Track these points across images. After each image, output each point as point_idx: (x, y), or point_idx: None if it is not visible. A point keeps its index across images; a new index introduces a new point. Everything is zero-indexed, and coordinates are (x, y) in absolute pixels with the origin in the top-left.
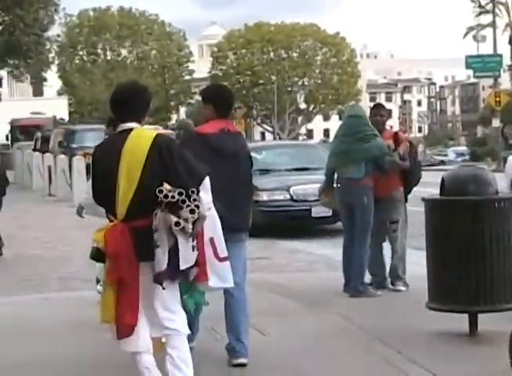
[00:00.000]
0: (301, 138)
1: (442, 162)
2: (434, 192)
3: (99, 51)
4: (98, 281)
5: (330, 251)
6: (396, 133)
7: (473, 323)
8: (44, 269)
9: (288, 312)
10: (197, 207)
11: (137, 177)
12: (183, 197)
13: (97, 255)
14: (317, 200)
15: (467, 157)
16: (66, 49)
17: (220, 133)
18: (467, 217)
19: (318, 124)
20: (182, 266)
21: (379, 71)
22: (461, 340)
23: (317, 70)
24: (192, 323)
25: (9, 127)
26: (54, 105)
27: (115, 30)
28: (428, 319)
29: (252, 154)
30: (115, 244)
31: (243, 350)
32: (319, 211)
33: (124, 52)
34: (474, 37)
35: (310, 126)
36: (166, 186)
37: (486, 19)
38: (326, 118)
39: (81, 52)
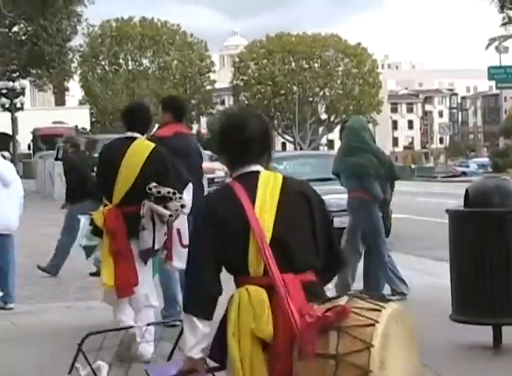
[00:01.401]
0: (321, 148)
1: (464, 173)
2: (457, 203)
3: (121, 61)
4: (80, 244)
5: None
6: None
7: (497, 336)
8: (65, 278)
9: None
10: (183, 206)
11: (134, 175)
12: (171, 194)
13: (96, 232)
14: (340, 211)
15: (489, 169)
16: (89, 59)
17: (174, 136)
18: (492, 228)
19: (339, 134)
20: (156, 246)
21: (400, 82)
22: (485, 352)
23: (338, 81)
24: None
25: (31, 136)
26: (76, 114)
27: (137, 40)
28: (452, 331)
29: (273, 165)
30: (112, 222)
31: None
32: (342, 221)
33: (145, 62)
34: (497, 48)
35: (331, 136)
36: (153, 184)
37: (509, 30)
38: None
39: (102, 62)
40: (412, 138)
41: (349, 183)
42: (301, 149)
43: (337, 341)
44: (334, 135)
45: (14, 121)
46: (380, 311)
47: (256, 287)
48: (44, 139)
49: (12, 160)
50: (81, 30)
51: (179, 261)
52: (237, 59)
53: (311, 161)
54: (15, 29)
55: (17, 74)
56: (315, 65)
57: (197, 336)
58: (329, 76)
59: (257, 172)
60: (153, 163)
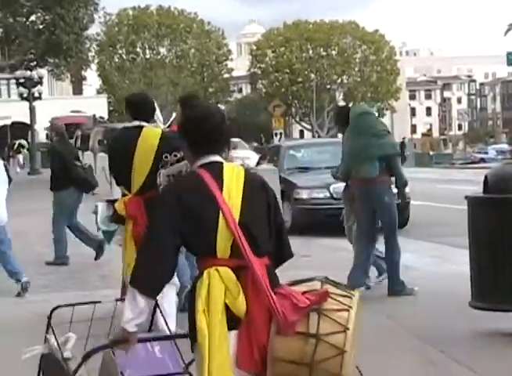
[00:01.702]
0: (339, 136)
1: (483, 160)
2: (476, 190)
3: (138, 50)
4: (98, 229)
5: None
6: None
7: None
8: (85, 267)
9: None
10: None
11: (149, 163)
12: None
13: (117, 219)
14: None
15: (508, 155)
16: (106, 48)
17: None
18: (511, 214)
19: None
20: None
21: (418, 69)
22: (504, 339)
23: (356, 68)
24: None
25: (49, 125)
26: (93, 103)
27: (154, 28)
28: (471, 318)
29: (291, 152)
30: (134, 209)
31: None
32: None
33: (162, 50)
34: None
35: None
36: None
37: None
38: None
39: (120, 51)
40: (431, 125)
41: (374, 168)
42: (318, 136)
43: (318, 322)
44: None
45: (32, 110)
46: (351, 298)
47: (225, 267)
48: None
49: (28, 150)
50: (98, 18)
51: None
52: (254, 47)
53: (330, 149)
54: (32, 18)
55: (35, 63)
56: (333, 52)
57: (135, 312)
58: (346, 63)
59: (221, 163)
60: (165, 147)
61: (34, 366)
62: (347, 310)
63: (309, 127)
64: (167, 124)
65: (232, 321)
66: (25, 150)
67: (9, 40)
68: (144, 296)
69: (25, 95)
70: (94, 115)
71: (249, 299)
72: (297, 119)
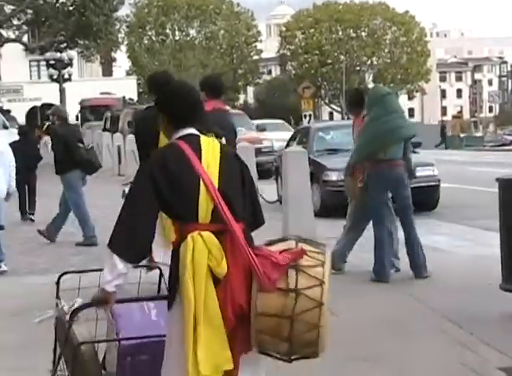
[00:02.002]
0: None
1: None
2: (507, 172)
3: (168, 31)
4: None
5: (400, 230)
6: None
7: None
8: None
9: (359, 292)
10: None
11: None
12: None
13: None
14: None
15: None
16: (135, 30)
17: (212, 111)
18: None
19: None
20: None
21: (449, 50)
22: None
23: (386, 50)
24: None
25: (78, 107)
26: (123, 85)
27: (183, 10)
28: (501, 300)
29: (320, 134)
30: None
31: None
32: None
33: (192, 32)
34: None
35: None
36: None
37: None
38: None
39: (149, 33)
40: (461, 107)
41: (400, 149)
42: (348, 118)
43: (296, 278)
44: None
45: (62, 91)
46: (324, 254)
47: (207, 232)
48: (91, 110)
49: (21, 130)
50: (128, 0)
51: None
52: (284, 29)
53: None
54: (62, 0)
55: (65, 45)
56: (363, 34)
57: (113, 274)
58: (376, 45)
59: (198, 135)
60: None
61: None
62: (322, 265)
63: (338, 109)
64: None
65: (214, 282)
66: None
67: (39, 22)
68: (122, 260)
69: (55, 76)
70: (123, 97)
71: (228, 261)
72: (327, 101)
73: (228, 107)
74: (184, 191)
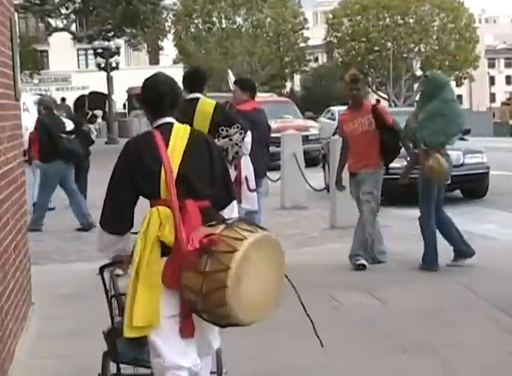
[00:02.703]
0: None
1: None
2: None
3: (214, 19)
4: None
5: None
6: (375, 106)
7: None
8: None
9: (406, 280)
10: (243, 138)
11: (205, 130)
12: (236, 129)
13: None
14: None
15: None
16: (182, 18)
17: (252, 111)
18: None
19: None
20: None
21: (498, 36)
22: None
23: (434, 36)
24: None
25: (126, 95)
26: (170, 73)
27: None
28: None
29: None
30: None
31: None
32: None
33: (239, 20)
34: None
35: None
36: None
37: None
38: None
39: (196, 21)
40: (511, 93)
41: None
42: (395, 105)
43: (207, 261)
44: None
45: (109, 80)
46: (242, 240)
47: (164, 207)
48: (139, 98)
49: (103, 118)
50: None
51: (247, 203)
52: (331, 16)
53: (406, 118)
54: None
55: (112, 33)
56: (410, 20)
57: (103, 244)
58: (424, 31)
59: (172, 123)
60: (219, 118)
61: None
62: (233, 252)
63: (386, 96)
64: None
65: (166, 248)
66: (99, 120)
67: (87, 11)
68: (110, 235)
69: (103, 65)
70: None
71: (179, 232)
72: (374, 88)
73: (273, 96)
74: (149, 174)
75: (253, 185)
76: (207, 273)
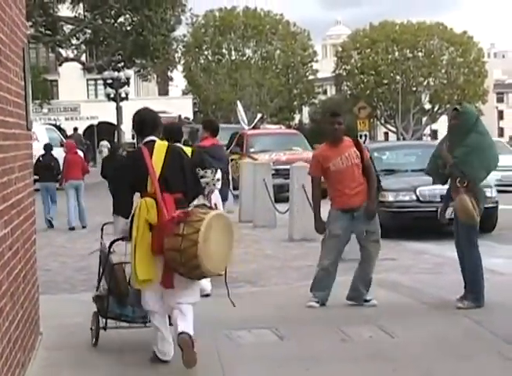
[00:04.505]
0: (425, 138)
1: None
2: None
3: (224, 51)
4: None
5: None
6: (356, 140)
7: None
8: None
9: (416, 314)
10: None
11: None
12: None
13: None
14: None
15: None
16: (192, 49)
17: (211, 146)
18: None
19: (442, 124)
20: None
21: (507, 71)
22: None
23: (443, 70)
24: None
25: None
26: (179, 104)
27: (240, 30)
28: None
29: (376, 155)
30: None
31: None
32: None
33: (248, 52)
34: None
35: (434, 126)
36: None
37: None
38: None
39: (206, 52)
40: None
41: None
42: (403, 139)
43: (183, 227)
44: (438, 125)
45: (119, 110)
46: (207, 214)
47: (150, 198)
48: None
49: (112, 148)
50: (185, 20)
51: None
52: (340, 49)
53: (415, 151)
54: (120, 19)
55: (122, 64)
56: (419, 54)
57: (120, 225)
58: (433, 65)
59: (155, 140)
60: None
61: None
62: (201, 220)
63: (394, 129)
64: (251, 125)
65: (152, 227)
66: (105, 150)
67: (98, 41)
68: (122, 218)
69: (112, 95)
70: (179, 116)
71: (160, 216)
72: (382, 121)
73: (282, 128)
74: (140, 177)
75: (221, 209)
76: (184, 235)
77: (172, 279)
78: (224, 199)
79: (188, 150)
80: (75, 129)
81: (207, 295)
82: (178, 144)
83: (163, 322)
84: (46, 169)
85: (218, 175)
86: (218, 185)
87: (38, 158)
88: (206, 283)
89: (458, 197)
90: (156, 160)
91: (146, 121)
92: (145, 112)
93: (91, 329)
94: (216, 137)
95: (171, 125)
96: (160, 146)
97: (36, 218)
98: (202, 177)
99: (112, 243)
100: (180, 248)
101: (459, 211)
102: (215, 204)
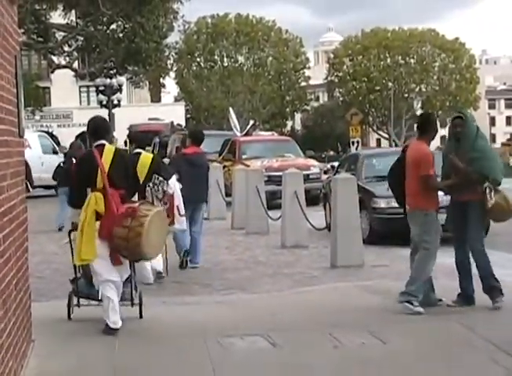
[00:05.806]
0: None
1: None
2: None
3: (216, 57)
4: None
5: (449, 259)
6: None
7: None
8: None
9: (408, 320)
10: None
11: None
12: (157, 180)
13: None
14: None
15: None
16: (184, 56)
17: (193, 154)
18: None
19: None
20: None
21: (498, 77)
22: None
23: (435, 77)
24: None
25: (127, 132)
26: (171, 111)
27: (232, 37)
28: None
29: (369, 161)
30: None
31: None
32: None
33: (240, 58)
34: None
35: None
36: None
37: None
38: (443, 125)
39: (198, 59)
40: (511, 134)
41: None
42: (396, 145)
43: (131, 221)
44: None
45: (111, 117)
46: (150, 211)
47: (99, 192)
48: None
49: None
50: (177, 27)
51: (179, 224)
52: (332, 56)
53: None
54: (113, 27)
55: (114, 71)
56: (411, 61)
57: (75, 216)
58: (425, 72)
59: (104, 144)
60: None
61: None
62: (146, 216)
63: (386, 136)
64: (244, 132)
65: (99, 216)
66: None
67: (90, 48)
68: (78, 209)
69: (104, 102)
70: (172, 122)
71: (106, 207)
72: (374, 128)
73: (274, 134)
74: (92, 174)
75: (182, 211)
76: (131, 227)
77: (120, 258)
78: (202, 201)
79: (148, 157)
80: (77, 137)
81: (160, 273)
82: (140, 150)
83: (117, 293)
84: (67, 175)
85: (173, 179)
86: (170, 188)
87: (59, 164)
88: (158, 264)
89: (492, 201)
90: (105, 161)
91: (99, 127)
92: (99, 119)
93: (67, 306)
94: (199, 146)
95: (135, 134)
96: (109, 149)
97: (28, 225)
98: (155, 184)
99: (70, 232)
100: (126, 238)
101: (497, 212)
102: (177, 206)
